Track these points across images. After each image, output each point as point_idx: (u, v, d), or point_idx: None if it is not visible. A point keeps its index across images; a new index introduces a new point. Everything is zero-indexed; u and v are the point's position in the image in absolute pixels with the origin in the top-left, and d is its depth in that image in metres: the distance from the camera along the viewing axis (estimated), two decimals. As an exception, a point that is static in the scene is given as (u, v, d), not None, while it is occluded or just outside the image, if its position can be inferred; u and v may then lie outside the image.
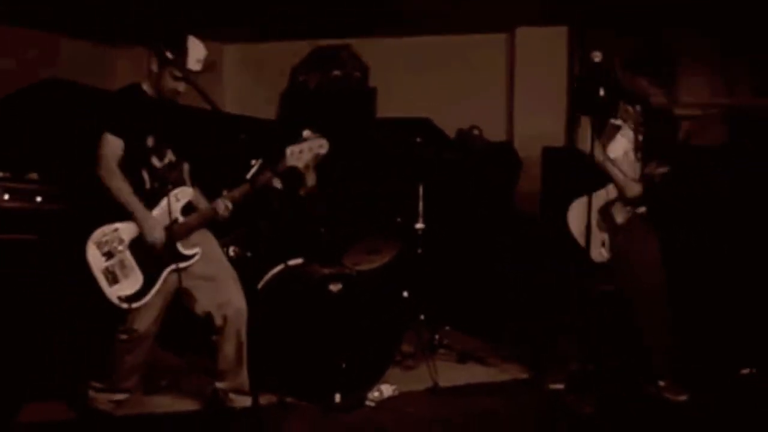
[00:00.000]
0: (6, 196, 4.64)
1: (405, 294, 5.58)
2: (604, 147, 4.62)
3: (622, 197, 4.60)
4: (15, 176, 4.75)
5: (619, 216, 4.67)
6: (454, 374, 5.16)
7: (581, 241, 4.59)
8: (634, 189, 4.59)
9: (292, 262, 4.87)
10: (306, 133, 4.22)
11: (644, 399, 4.65)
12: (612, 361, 4.97)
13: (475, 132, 7.22)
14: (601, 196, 4.69)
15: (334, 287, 4.63)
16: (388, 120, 7.33)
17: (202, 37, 7.34)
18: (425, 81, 7.58)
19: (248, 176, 3.72)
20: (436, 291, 5.85)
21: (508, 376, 5.18)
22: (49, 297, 4.73)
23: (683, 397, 4.61)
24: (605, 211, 4.69)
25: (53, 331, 4.71)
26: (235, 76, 8.08)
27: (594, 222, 4.64)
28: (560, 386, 4.83)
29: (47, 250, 4.74)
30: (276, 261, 4.88)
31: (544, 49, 7.14)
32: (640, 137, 4.71)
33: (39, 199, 4.71)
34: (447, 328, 6.02)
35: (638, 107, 4.71)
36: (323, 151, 4.20)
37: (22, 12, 6.47)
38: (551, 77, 7.12)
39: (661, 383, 4.67)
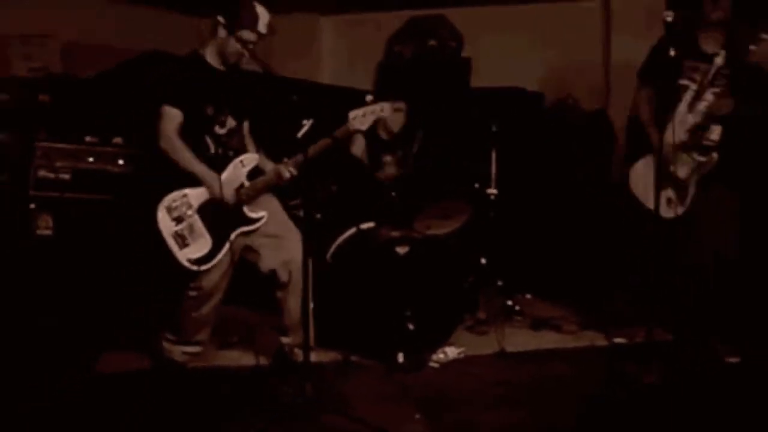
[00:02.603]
0: (90, 159, 4.91)
1: (482, 260, 5.57)
2: (673, 108, 4.52)
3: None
4: (102, 140, 5.01)
5: (681, 171, 4.56)
6: (525, 340, 5.16)
7: (645, 201, 4.57)
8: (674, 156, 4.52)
9: (364, 226, 4.96)
10: (368, 97, 4.28)
11: (709, 369, 4.53)
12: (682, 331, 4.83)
13: (570, 101, 7.11)
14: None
15: (401, 249, 4.70)
16: (482, 89, 7.28)
17: (299, 8, 7.59)
18: (519, 50, 7.50)
19: (299, 135, 3.79)
20: (516, 258, 5.83)
21: (580, 343, 5.12)
22: (126, 252, 4.96)
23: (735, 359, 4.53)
24: (666, 168, 4.61)
25: (129, 285, 4.92)
26: (331, 46, 8.22)
27: (653, 181, 4.57)
28: (623, 340, 4.90)
29: (125, 208, 4.97)
30: (349, 224, 4.98)
31: (641, 15, 6.92)
32: (713, 91, 4.57)
33: (121, 162, 4.95)
34: (528, 296, 5.99)
35: (717, 59, 4.57)
36: (385, 114, 4.26)
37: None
38: (649, 44, 6.89)
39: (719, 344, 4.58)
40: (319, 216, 4.93)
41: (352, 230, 4.94)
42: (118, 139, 5.05)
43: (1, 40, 6.12)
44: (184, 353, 4.44)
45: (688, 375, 4.40)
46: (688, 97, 4.61)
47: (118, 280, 4.93)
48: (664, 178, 4.60)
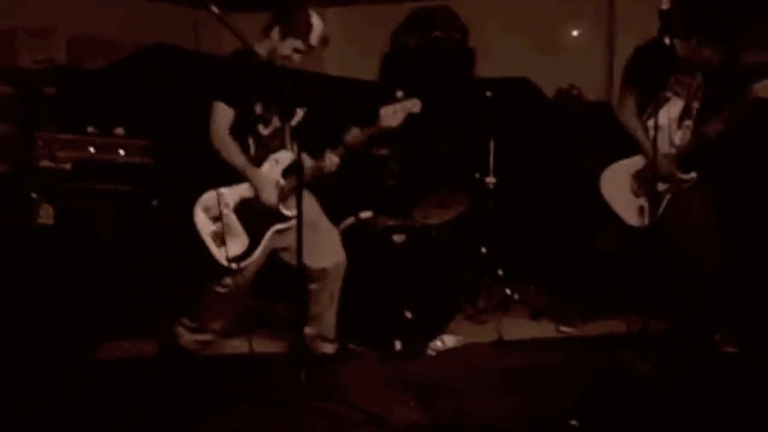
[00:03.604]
0: (92, 149, 4.96)
1: (483, 249, 5.59)
2: (649, 117, 4.52)
3: (653, 170, 4.47)
4: (102, 131, 5.06)
5: (659, 183, 4.56)
6: (523, 329, 5.20)
7: (614, 206, 4.69)
8: (664, 167, 4.53)
9: (362, 215, 4.99)
10: (399, 93, 4.31)
11: (703, 357, 4.55)
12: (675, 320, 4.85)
13: (574, 92, 7.10)
14: (635, 163, 4.67)
15: (398, 238, 4.73)
16: (486, 80, 7.29)
17: (305, 1, 7.60)
18: (523, 40, 7.50)
19: (292, 123, 3.82)
20: (517, 247, 5.85)
21: (579, 332, 5.14)
22: (133, 242, 5.02)
23: (733, 349, 4.54)
24: (642, 177, 4.61)
25: (136, 274, 4.97)
26: (336, 38, 8.22)
27: (627, 187, 4.68)
28: (569, 329, 5.06)
29: (132, 198, 5.03)
30: (347, 214, 5.01)
31: (645, 6, 6.90)
32: (696, 105, 4.60)
33: (122, 152, 5.00)
34: (532, 287, 6.02)
35: (698, 76, 4.59)
36: (416, 110, 4.28)
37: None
38: (652, 35, 6.88)
39: (716, 336, 4.59)
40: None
41: (351, 219, 4.97)
42: (119, 130, 5.09)
43: (7, 32, 6.17)
44: (196, 341, 4.45)
45: (684, 364, 4.42)
46: (673, 111, 4.61)
47: (120, 270, 4.96)
48: (641, 187, 4.63)
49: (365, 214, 5.00)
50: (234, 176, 4.18)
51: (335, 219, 4.94)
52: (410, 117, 4.30)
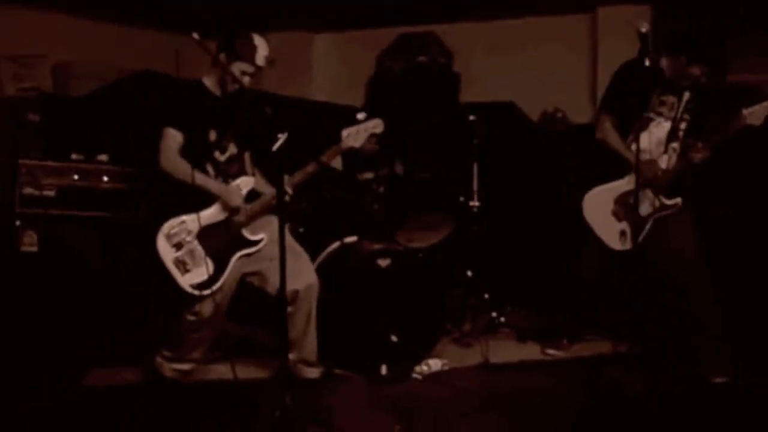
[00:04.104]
0: (76, 176, 4.97)
1: (468, 272, 5.60)
2: (632, 142, 4.52)
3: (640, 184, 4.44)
4: (86, 158, 5.08)
5: (643, 208, 4.56)
6: (510, 352, 5.19)
7: (596, 229, 4.69)
8: (649, 170, 4.52)
9: (347, 240, 4.99)
10: (360, 114, 4.36)
11: (691, 381, 4.53)
12: (663, 343, 4.85)
13: (559, 115, 7.16)
14: (617, 187, 4.66)
15: (383, 262, 4.73)
16: (471, 105, 7.32)
17: (292, 27, 7.67)
18: (508, 65, 7.55)
19: (274, 148, 3.84)
20: (502, 270, 5.86)
21: (566, 354, 5.13)
22: (117, 268, 5.01)
23: (723, 379, 4.47)
24: (625, 201, 4.62)
25: (121, 301, 4.96)
26: (324, 64, 8.30)
27: (609, 211, 4.67)
28: (555, 352, 5.07)
29: (115, 225, 5.03)
30: (332, 239, 5.01)
31: (626, 29, 6.95)
32: (683, 125, 4.59)
33: (105, 179, 5.01)
34: (517, 310, 6.01)
35: (686, 94, 4.58)
36: (378, 130, 4.34)
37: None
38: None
39: (705, 364, 4.54)
40: (301, 230, 4.95)
41: (336, 244, 4.97)
42: (103, 157, 5.10)
43: (-8, 60, 6.21)
44: (175, 370, 4.44)
45: (672, 386, 4.41)
46: (658, 132, 4.61)
47: (104, 296, 4.95)
48: (624, 211, 4.63)
49: (350, 239, 4.99)
50: (200, 203, 4.22)
51: (320, 244, 4.96)
52: (390, 140, 4.34)
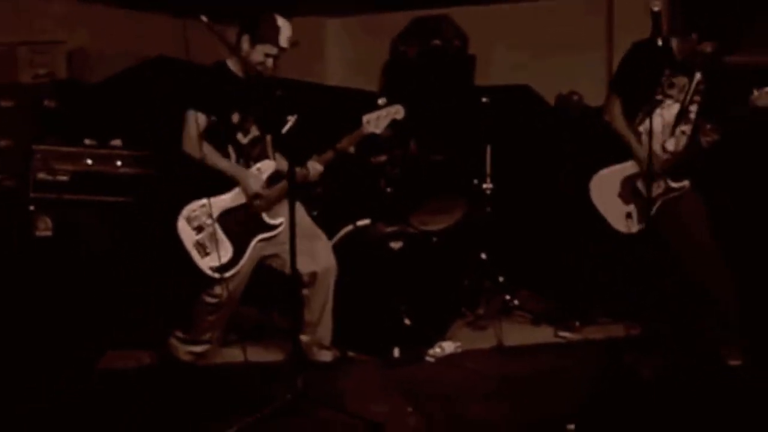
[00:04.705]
0: (89, 161, 5.00)
1: (482, 255, 5.59)
2: (641, 122, 4.49)
3: (643, 169, 4.42)
4: (100, 143, 5.10)
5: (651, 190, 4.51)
6: (524, 335, 5.18)
7: (603, 211, 4.65)
8: (657, 160, 4.41)
9: (360, 223, 4.99)
10: (381, 100, 4.36)
11: (705, 364, 4.50)
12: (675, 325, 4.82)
13: (575, 97, 7.09)
14: (625, 169, 4.62)
15: (395, 245, 4.74)
16: (487, 88, 7.28)
17: (305, 12, 7.65)
18: (523, 47, 7.48)
19: (284, 131, 3.85)
20: (516, 253, 5.84)
21: (579, 337, 5.11)
22: (130, 252, 5.04)
23: (737, 362, 4.44)
24: (631, 184, 4.58)
25: (138, 283, 4.99)
26: (337, 48, 8.27)
27: (616, 193, 4.62)
28: (567, 334, 5.06)
29: (129, 209, 5.05)
30: (345, 222, 5.02)
31: (643, 11, 6.89)
32: (694, 108, 4.53)
33: (119, 163, 5.04)
34: (531, 293, 5.99)
35: (697, 75, 4.52)
36: (399, 116, 4.35)
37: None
38: (652, 38, 6.88)
39: (721, 346, 4.51)
40: (315, 213, 4.95)
41: (349, 227, 4.97)
42: (116, 141, 5.12)
43: (8, 47, 6.22)
44: (190, 352, 4.48)
45: (685, 370, 4.39)
46: (667, 114, 4.56)
47: (119, 279, 4.98)
48: (631, 193, 4.60)
49: (363, 222, 5.00)
50: (221, 187, 4.24)
51: (334, 227, 4.96)
52: (404, 123, 4.33)
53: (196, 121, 4.18)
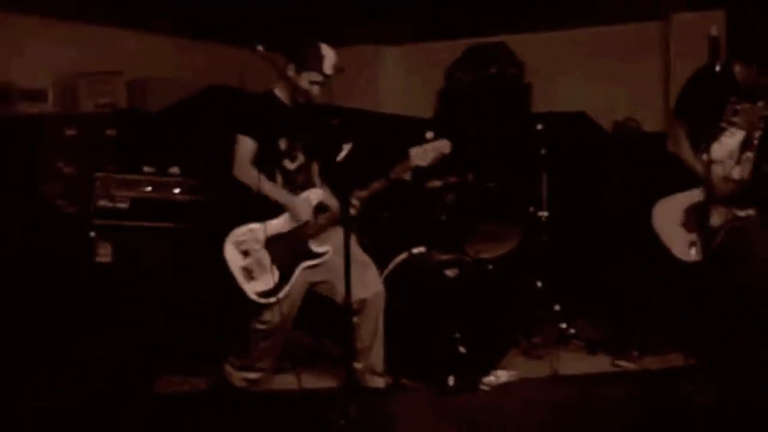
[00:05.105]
0: (148, 188, 5.09)
1: (538, 283, 5.55)
2: (706, 150, 4.40)
3: (710, 198, 4.34)
4: (159, 171, 5.20)
5: (716, 218, 4.42)
6: (579, 364, 5.12)
7: (665, 239, 4.53)
8: (723, 189, 4.34)
9: (415, 250, 4.99)
10: (429, 134, 4.37)
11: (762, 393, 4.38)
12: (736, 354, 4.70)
13: (632, 123, 7.05)
14: (689, 197, 4.51)
15: (450, 272, 4.72)
16: (543, 115, 7.26)
17: (360, 41, 7.73)
18: (580, 74, 7.47)
19: (338, 159, 3.87)
20: (572, 281, 5.78)
21: (637, 367, 5.03)
22: (188, 278, 5.11)
23: None
24: (696, 212, 4.49)
25: (195, 309, 5.05)
26: (392, 76, 8.34)
27: (679, 221, 4.52)
28: (626, 364, 4.97)
29: (186, 236, 5.13)
30: (400, 249, 5.02)
31: (700, 36, 6.82)
32: (757, 134, 4.43)
33: (177, 190, 5.12)
34: (587, 321, 5.92)
35: (760, 103, 4.41)
36: (446, 151, 4.35)
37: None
38: (709, 63, 6.81)
39: None
40: (366, 241, 4.96)
41: (404, 255, 4.97)
42: (174, 169, 5.22)
43: (70, 78, 6.40)
44: (245, 379, 4.51)
45: (742, 397, 4.28)
46: (731, 142, 4.46)
47: (176, 304, 5.04)
48: (695, 222, 4.51)
49: (418, 249, 4.99)
50: (269, 212, 4.27)
51: (388, 254, 4.96)
52: (460, 150, 4.34)
53: (246, 147, 4.25)
